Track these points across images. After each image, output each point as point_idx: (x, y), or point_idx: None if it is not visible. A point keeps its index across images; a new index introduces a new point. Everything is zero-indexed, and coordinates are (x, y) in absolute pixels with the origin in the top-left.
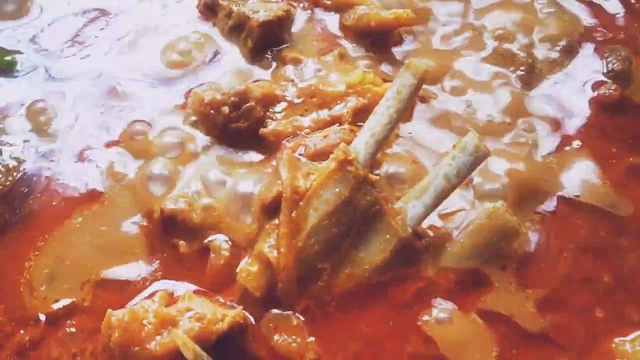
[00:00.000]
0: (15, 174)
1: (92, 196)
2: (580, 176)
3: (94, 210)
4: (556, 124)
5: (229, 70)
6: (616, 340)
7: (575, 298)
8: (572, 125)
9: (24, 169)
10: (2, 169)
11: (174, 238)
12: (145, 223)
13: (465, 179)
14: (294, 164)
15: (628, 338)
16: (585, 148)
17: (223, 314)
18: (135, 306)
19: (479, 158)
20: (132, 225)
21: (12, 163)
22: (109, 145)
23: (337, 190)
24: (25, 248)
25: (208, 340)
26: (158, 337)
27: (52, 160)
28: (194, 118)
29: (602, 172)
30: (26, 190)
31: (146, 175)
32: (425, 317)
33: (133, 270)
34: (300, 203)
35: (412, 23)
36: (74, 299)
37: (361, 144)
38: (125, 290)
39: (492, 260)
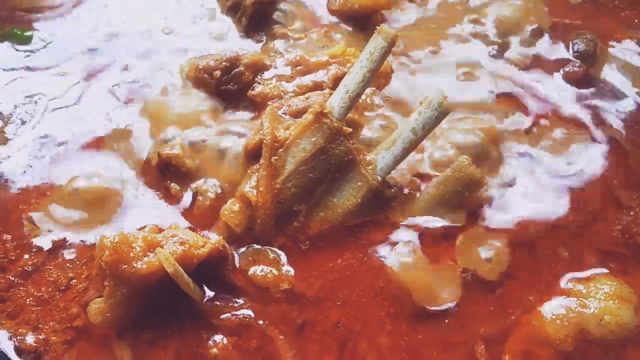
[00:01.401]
0: None
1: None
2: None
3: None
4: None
5: (224, 43)
6: (571, 279)
7: (538, 242)
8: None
9: None
10: None
11: (167, 180)
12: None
13: (430, 132)
14: (275, 118)
15: (583, 278)
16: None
17: (204, 241)
18: (126, 235)
19: (442, 113)
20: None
21: None
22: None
23: (313, 139)
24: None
25: (190, 263)
26: (145, 258)
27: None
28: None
29: None
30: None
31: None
32: (392, 259)
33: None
34: (280, 150)
35: (389, 6)
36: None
37: (336, 99)
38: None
39: (456, 209)
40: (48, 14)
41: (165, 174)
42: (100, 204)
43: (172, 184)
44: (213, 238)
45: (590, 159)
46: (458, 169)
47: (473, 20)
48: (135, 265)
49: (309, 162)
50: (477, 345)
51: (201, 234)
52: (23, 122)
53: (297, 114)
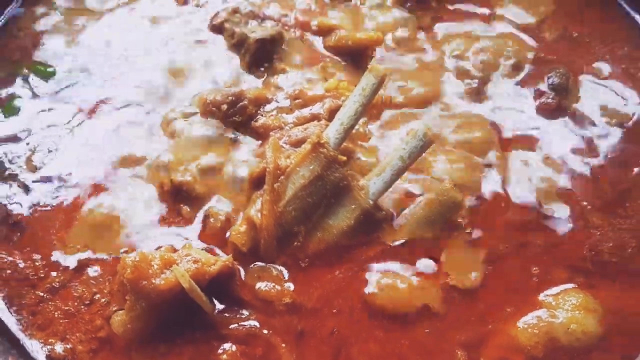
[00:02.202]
0: None
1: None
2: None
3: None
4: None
5: (230, 77)
6: (543, 293)
7: (512, 259)
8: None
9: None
10: None
11: (180, 204)
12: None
13: (416, 159)
14: (277, 147)
15: (553, 292)
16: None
17: (215, 259)
18: (145, 253)
19: (426, 143)
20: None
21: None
22: None
23: (311, 167)
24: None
25: (202, 279)
26: (163, 275)
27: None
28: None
29: None
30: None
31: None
32: (380, 275)
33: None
34: (281, 177)
35: (380, 43)
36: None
37: (332, 130)
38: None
39: (440, 229)
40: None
41: (177, 198)
42: (119, 226)
43: (184, 207)
44: (222, 256)
45: (562, 183)
46: (441, 192)
47: (456, 56)
48: (154, 281)
49: (308, 188)
50: (458, 350)
51: (212, 253)
52: (50, 151)
53: (297, 143)
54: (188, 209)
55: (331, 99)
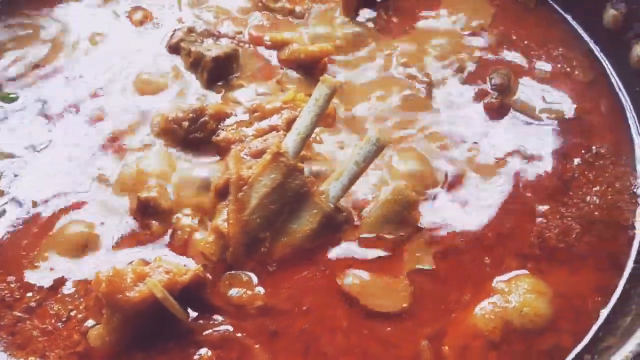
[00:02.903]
0: None
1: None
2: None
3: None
4: None
5: (189, 95)
6: (496, 280)
7: (466, 251)
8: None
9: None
10: None
11: (149, 219)
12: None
13: (371, 163)
14: (239, 159)
15: (505, 278)
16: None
17: (186, 269)
18: (116, 268)
19: (379, 147)
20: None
21: None
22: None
23: (272, 176)
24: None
25: (175, 289)
26: (136, 288)
27: None
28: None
29: None
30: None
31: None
32: (346, 275)
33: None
34: (244, 187)
35: (331, 54)
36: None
37: (290, 140)
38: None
39: (398, 226)
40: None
41: (145, 214)
42: (91, 244)
43: (153, 222)
44: (193, 266)
45: (508, 177)
46: (396, 192)
47: (403, 64)
48: (128, 294)
49: (270, 196)
50: (422, 341)
51: (182, 264)
52: (15, 175)
53: (258, 154)
54: (157, 224)
55: (289, 110)
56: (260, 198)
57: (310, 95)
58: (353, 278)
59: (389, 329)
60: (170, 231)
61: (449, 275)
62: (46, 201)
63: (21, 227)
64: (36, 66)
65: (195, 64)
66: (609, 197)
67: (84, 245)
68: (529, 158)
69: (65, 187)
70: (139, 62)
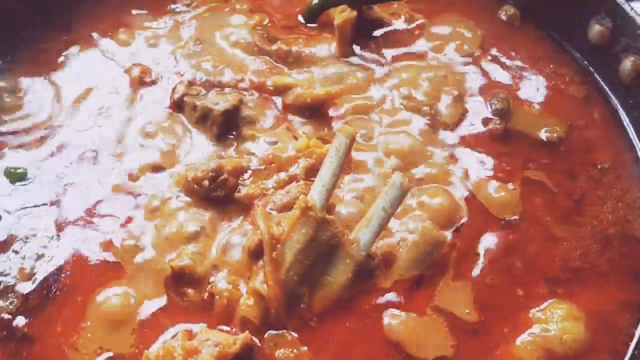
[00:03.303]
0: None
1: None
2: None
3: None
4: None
5: (201, 152)
6: (532, 310)
7: (499, 284)
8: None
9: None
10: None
11: (184, 288)
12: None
13: (398, 207)
14: (267, 217)
15: (541, 308)
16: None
17: (235, 338)
18: (164, 344)
19: (404, 191)
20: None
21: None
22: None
23: (303, 231)
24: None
25: None
26: None
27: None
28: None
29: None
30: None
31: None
32: (386, 320)
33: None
34: (278, 245)
35: (339, 96)
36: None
37: (316, 193)
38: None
39: (429, 266)
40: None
41: (180, 283)
42: (130, 319)
43: (189, 290)
44: (239, 334)
45: (522, 205)
46: (424, 233)
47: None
48: None
49: (304, 252)
50: None
51: (226, 330)
52: (39, 256)
53: (283, 208)
54: (193, 291)
55: (304, 158)
56: (294, 255)
57: (325, 140)
58: (395, 324)
59: None
60: (207, 296)
61: (485, 311)
62: (76, 281)
63: (57, 310)
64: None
65: (203, 118)
66: (620, 211)
67: (124, 322)
68: (538, 181)
69: (95, 262)
70: (145, 122)
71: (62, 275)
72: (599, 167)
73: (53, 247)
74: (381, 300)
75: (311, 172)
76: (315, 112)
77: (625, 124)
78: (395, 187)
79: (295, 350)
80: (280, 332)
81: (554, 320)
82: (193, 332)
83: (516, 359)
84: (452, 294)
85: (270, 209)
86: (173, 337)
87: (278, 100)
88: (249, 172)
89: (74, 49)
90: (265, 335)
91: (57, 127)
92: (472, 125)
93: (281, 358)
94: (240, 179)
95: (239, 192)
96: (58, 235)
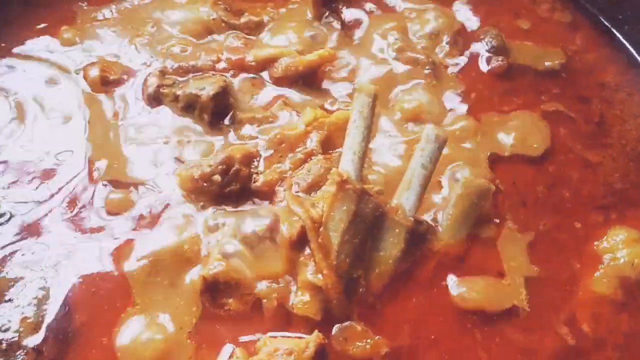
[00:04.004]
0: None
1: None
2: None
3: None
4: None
5: (197, 146)
6: (595, 243)
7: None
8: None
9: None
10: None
11: (222, 299)
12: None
13: (437, 162)
14: (300, 201)
15: (603, 238)
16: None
17: (306, 341)
18: None
19: (441, 143)
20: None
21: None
22: None
23: (344, 208)
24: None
25: None
26: None
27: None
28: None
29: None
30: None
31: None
32: (452, 286)
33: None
34: (320, 229)
35: (334, 59)
36: None
37: (348, 164)
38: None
39: (479, 219)
40: None
41: (217, 294)
42: (173, 348)
43: (229, 300)
44: (305, 336)
45: (549, 137)
46: (467, 185)
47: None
48: None
49: (350, 230)
50: (563, 327)
51: (287, 335)
52: (40, 300)
53: (309, 189)
54: (234, 300)
55: (316, 132)
56: (341, 235)
57: (327, 110)
58: (461, 289)
59: (520, 328)
60: (251, 303)
61: (550, 254)
62: (95, 320)
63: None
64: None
65: (188, 107)
66: None
67: (166, 352)
68: (556, 111)
69: (111, 294)
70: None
71: (74, 314)
72: (607, 87)
73: (54, 285)
74: (440, 265)
75: (328, 145)
76: (309, 80)
77: (619, 40)
78: (431, 141)
79: (369, 341)
80: (347, 324)
81: (619, 247)
82: (256, 345)
83: (598, 295)
84: (510, 246)
85: (296, 192)
86: (230, 357)
87: (265, 76)
88: (259, 158)
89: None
90: (333, 332)
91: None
92: (475, 65)
93: (356, 353)
94: (253, 166)
95: (255, 181)
96: (55, 270)
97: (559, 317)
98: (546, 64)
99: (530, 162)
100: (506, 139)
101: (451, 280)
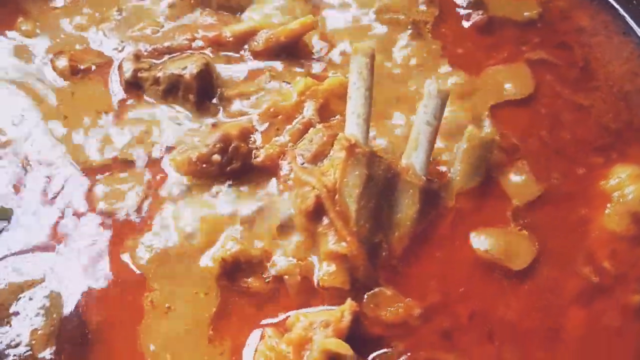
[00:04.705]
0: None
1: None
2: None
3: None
4: None
5: (183, 130)
6: (601, 183)
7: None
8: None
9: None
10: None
11: (242, 280)
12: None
13: (442, 117)
14: (309, 171)
15: (607, 178)
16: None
17: (340, 310)
18: (259, 350)
19: (444, 97)
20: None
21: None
22: None
23: (356, 172)
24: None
25: (344, 339)
26: (304, 358)
27: None
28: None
29: None
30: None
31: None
32: (472, 239)
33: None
34: (336, 197)
35: (315, 26)
36: None
37: (354, 127)
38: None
39: (488, 169)
40: None
41: (236, 275)
42: (199, 336)
43: (249, 280)
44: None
45: (534, 82)
46: (471, 138)
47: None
48: None
49: (365, 195)
50: (584, 268)
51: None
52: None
53: (314, 158)
54: (254, 279)
55: (311, 101)
56: (356, 201)
57: (316, 78)
58: (480, 241)
59: (543, 273)
60: (273, 280)
61: (558, 198)
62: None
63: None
64: None
65: (171, 90)
66: (625, 66)
67: (193, 338)
68: (540, 59)
69: (123, 289)
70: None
71: (88, 316)
72: (585, 32)
73: (62, 289)
74: (456, 220)
75: (326, 112)
76: (292, 51)
77: None
78: (433, 96)
79: (400, 304)
80: (376, 290)
81: (625, 184)
82: (286, 323)
83: (612, 233)
84: (522, 194)
85: (302, 164)
86: (261, 338)
87: (245, 51)
88: (257, 133)
89: None
90: (364, 299)
91: None
92: (456, 21)
93: (389, 317)
94: (250, 142)
95: (256, 157)
96: (52, 271)
97: (578, 258)
98: (525, 14)
99: (524, 109)
100: (499, 90)
101: (469, 233)
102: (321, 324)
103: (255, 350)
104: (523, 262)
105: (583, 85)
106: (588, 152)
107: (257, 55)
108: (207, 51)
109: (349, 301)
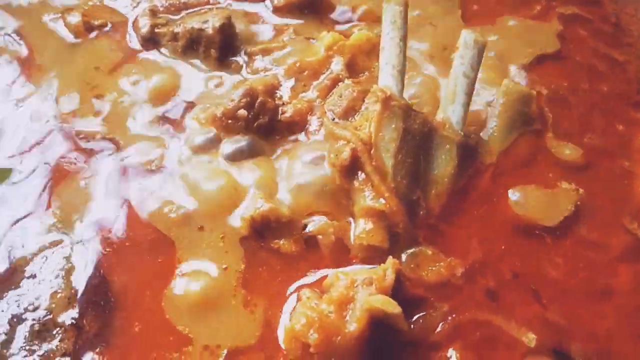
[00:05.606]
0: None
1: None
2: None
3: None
4: None
5: (204, 86)
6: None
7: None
8: None
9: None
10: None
11: (273, 241)
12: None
13: (479, 68)
14: (341, 125)
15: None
16: None
17: (383, 268)
18: (298, 312)
19: (480, 48)
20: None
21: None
22: None
23: (393, 126)
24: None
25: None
26: (348, 318)
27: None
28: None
29: None
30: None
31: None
32: (510, 196)
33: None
34: (372, 151)
35: None
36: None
37: (388, 79)
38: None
39: (526, 124)
40: None
41: (267, 236)
42: (221, 299)
43: (281, 241)
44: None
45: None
46: (508, 92)
47: None
48: (347, 329)
49: (402, 149)
50: (627, 222)
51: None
52: (68, 270)
53: (345, 114)
54: (285, 241)
55: (339, 56)
56: (393, 156)
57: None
58: (519, 198)
59: (588, 229)
60: (305, 241)
61: (597, 154)
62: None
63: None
64: None
65: (191, 45)
66: None
67: (221, 305)
68: (573, 14)
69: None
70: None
71: (111, 277)
72: None
73: (79, 250)
74: (494, 176)
75: (354, 67)
76: (314, 7)
77: None
78: (470, 47)
79: (442, 264)
80: (416, 249)
81: None
82: (324, 283)
83: None
84: (561, 149)
85: (333, 119)
86: (298, 300)
87: (268, 8)
88: (283, 89)
89: None
90: (403, 259)
91: None
92: None
93: (432, 278)
94: (277, 98)
95: (283, 113)
96: (73, 233)
97: (624, 213)
98: None
99: (559, 64)
100: (531, 45)
101: (508, 190)
102: (364, 281)
103: (292, 312)
104: (559, 219)
105: (617, 40)
106: (626, 108)
107: (278, 10)
108: (225, 5)
109: (390, 259)
